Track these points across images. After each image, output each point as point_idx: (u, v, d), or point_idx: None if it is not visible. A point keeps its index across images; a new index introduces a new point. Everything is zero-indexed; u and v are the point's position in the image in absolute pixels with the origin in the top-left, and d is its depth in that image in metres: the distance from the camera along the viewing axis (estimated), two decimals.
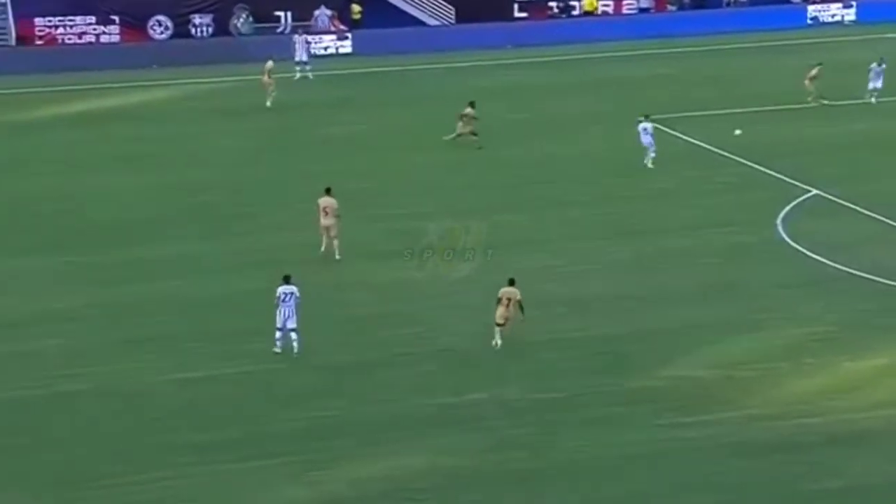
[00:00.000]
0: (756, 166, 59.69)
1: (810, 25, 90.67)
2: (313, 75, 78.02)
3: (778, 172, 58.27)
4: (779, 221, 52.72)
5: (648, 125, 60.18)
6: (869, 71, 69.92)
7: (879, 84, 69.59)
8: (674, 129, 64.98)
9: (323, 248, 49.11)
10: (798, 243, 50.31)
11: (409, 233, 50.47)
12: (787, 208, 54.02)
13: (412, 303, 45.15)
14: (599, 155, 62.07)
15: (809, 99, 68.78)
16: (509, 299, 41.51)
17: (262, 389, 39.32)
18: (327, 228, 48.91)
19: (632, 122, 62.51)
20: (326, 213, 48.79)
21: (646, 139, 60.01)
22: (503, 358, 41.28)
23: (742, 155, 61.03)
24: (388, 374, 40.26)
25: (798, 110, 68.90)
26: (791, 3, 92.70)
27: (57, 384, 39.63)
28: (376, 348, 42.01)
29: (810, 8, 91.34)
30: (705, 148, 61.83)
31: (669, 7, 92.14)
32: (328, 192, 48.96)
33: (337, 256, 48.81)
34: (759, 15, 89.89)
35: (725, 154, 61.49)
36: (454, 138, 62.38)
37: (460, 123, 62.56)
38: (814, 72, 69.15)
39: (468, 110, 62.80)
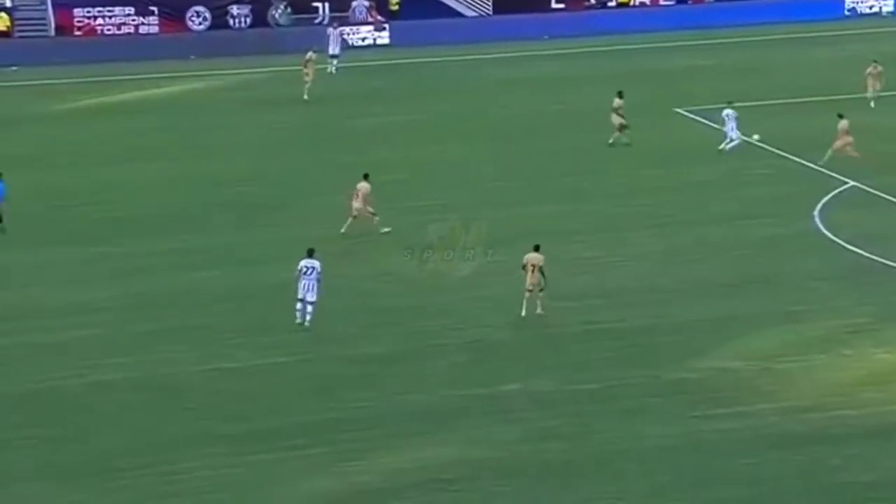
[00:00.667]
0: (793, 158, 59.20)
1: (847, 17, 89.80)
2: (342, 69, 76.81)
3: (815, 164, 57.62)
4: (816, 213, 52.26)
5: (731, 112, 59.99)
6: None
7: None
8: (710, 121, 64.43)
9: (344, 230, 49.39)
10: (835, 234, 49.90)
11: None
12: (824, 200, 53.52)
13: (442, 294, 44.71)
14: (635, 146, 61.43)
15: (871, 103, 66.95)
16: (533, 265, 41.93)
17: (292, 380, 39.18)
18: (359, 210, 49.31)
19: (668, 114, 62.14)
20: (357, 196, 49.28)
21: (728, 126, 59.96)
22: (536, 349, 41.19)
23: (779, 146, 60.47)
24: (419, 366, 40.07)
25: (835, 102, 68.02)
26: None
27: (87, 375, 39.52)
28: (407, 339, 41.87)
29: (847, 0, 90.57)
30: (742, 139, 61.21)
31: None
32: (366, 177, 49.67)
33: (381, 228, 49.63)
34: (797, 6, 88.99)
35: (762, 146, 60.93)
36: (619, 134, 61.31)
37: (615, 116, 61.21)
38: (870, 69, 67.66)
39: (618, 101, 61.45)
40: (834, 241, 49.29)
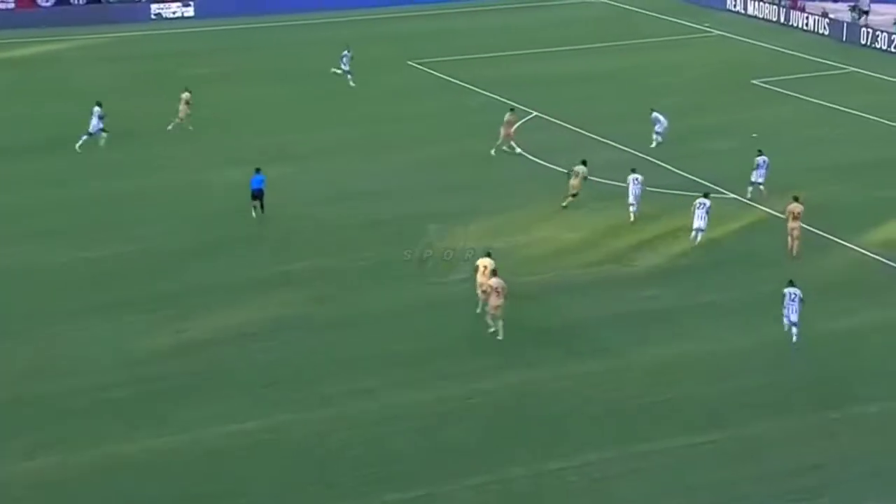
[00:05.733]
0: (494, 95, 59.82)
1: None
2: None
3: (513, 101, 58.47)
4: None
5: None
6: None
7: None
8: (436, 70, 65.40)
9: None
10: (524, 151, 50.51)
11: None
12: (516, 125, 52.88)
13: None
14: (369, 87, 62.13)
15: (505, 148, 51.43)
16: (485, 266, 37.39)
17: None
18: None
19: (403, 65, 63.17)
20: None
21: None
22: (325, 237, 41.52)
23: (488, 88, 61.18)
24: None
25: (524, 55, 69.61)
26: None
27: None
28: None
29: None
30: (456, 83, 62.44)
31: None
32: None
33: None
34: None
35: (473, 87, 61.98)
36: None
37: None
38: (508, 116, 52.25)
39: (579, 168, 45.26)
40: (524, 155, 50.36)
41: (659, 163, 47.33)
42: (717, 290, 37.28)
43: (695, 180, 46.20)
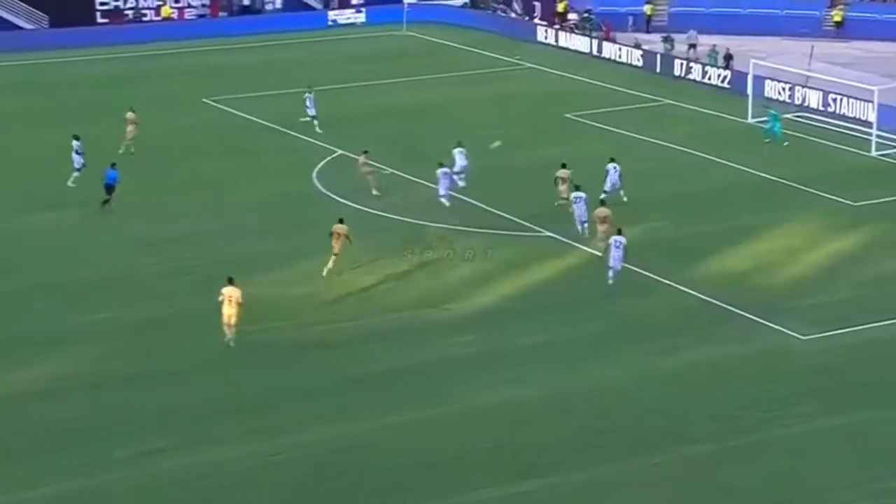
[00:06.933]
0: (295, 134, 60.15)
1: (330, 26, 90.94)
2: None
3: (312, 138, 59.03)
4: (314, 174, 53.57)
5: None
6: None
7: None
8: (234, 108, 65.06)
9: None
10: (329, 191, 51.06)
11: None
12: (321, 164, 54.92)
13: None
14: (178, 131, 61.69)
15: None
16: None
17: None
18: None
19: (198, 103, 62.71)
20: None
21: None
22: (126, 289, 41.14)
23: (282, 125, 61.29)
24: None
25: (327, 91, 69.85)
26: (314, 9, 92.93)
27: None
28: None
29: (330, 14, 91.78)
30: (257, 121, 62.21)
31: (221, 13, 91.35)
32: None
33: None
34: (289, 19, 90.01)
35: (271, 125, 61.88)
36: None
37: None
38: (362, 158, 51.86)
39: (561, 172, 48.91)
40: (329, 196, 50.55)
41: (473, 202, 47.94)
42: (537, 332, 37.89)
43: (511, 219, 47.08)
